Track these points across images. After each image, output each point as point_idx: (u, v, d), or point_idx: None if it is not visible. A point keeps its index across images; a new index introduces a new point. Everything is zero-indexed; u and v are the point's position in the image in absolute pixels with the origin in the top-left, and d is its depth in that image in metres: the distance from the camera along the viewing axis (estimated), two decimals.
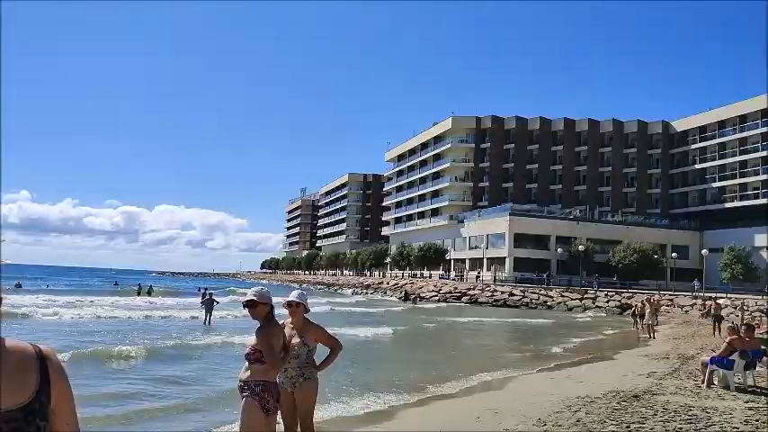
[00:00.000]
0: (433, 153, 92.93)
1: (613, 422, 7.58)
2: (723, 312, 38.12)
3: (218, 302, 26.77)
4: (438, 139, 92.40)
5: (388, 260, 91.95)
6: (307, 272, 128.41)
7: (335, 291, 78.95)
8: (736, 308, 38.03)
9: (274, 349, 4.65)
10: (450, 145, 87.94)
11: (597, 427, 7.37)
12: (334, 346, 5.37)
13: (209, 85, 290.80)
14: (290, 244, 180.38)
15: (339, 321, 26.11)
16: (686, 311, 45.80)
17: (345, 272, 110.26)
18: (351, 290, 75.42)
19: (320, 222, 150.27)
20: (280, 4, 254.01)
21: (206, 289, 29.13)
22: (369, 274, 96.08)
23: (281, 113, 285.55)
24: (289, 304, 5.29)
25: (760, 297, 48.70)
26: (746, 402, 9.11)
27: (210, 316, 25.27)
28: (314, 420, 5.23)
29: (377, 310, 41.08)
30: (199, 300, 28.93)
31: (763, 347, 11.24)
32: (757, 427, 7.56)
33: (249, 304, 4.72)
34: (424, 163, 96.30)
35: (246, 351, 4.74)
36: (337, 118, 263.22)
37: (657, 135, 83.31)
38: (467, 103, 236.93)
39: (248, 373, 4.67)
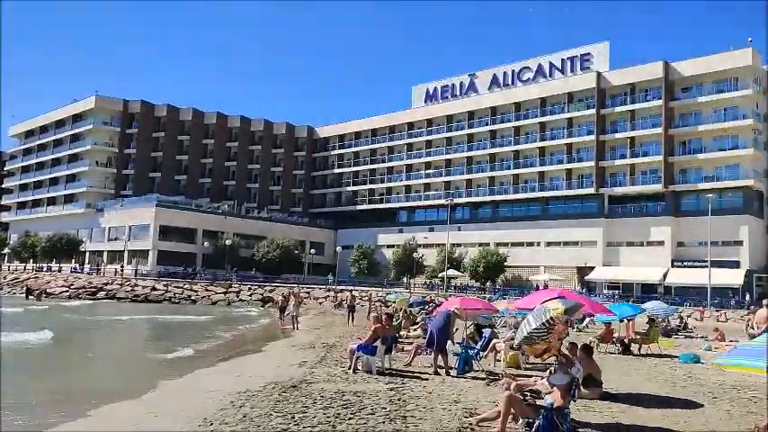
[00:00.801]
0: (70, 133, 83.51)
1: (278, 414, 7.60)
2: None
3: None
4: (77, 118, 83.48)
5: (6, 250, 79.50)
6: None
7: None
8: (362, 298, 43.13)
9: None
10: (91, 126, 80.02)
11: (264, 420, 7.29)
12: None
13: None
14: None
15: None
16: (321, 303, 50.10)
17: None
18: None
19: None
20: None
21: None
22: None
23: None
24: None
25: (381, 289, 56.32)
26: (387, 384, 10.13)
27: None
28: None
29: None
30: None
31: (397, 334, 12.67)
32: (400, 405, 8.41)
33: None
34: (58, 143, 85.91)
35: None
36: None
37: (303, 139, 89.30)
38: (112, 85, 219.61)
39: None
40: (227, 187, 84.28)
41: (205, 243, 68.58)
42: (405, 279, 65.03)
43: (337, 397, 8.76)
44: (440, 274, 61.03)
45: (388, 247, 73.43)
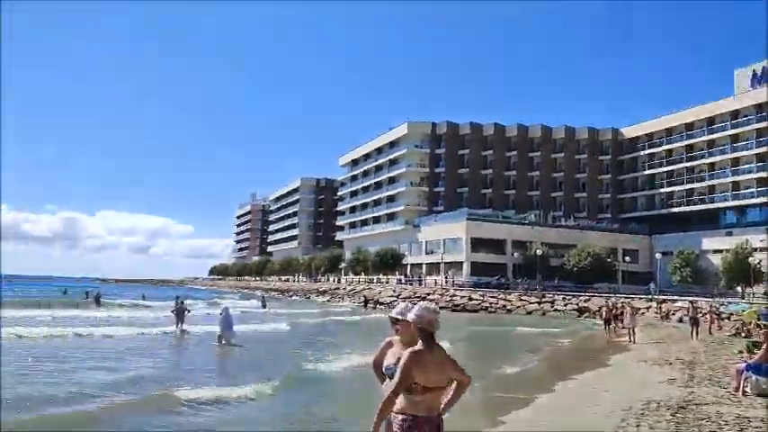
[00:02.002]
0: (388, 158, 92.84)
1: None
2: (679, 315, 39.43)
3: (189, 311, 25.94)
4: (393, 144, 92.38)
5: (342, 265, 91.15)
6: (258, 278, 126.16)
7: (312, 298, 76.77)
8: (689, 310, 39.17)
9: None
10: (405, 150, 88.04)
11: None
12: (462, 380, 4.24)
13: (141, 83, 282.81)
14: (240, 249, 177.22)
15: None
16: (642, 314, 46.92)
17: (298, 278, 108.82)
18: (322, 297, 73.50)
19: (271, 228, 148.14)
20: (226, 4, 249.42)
21: (178, 297, 28.33)
22: (323, 279, 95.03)
23: (230, 116, 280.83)
24: (396, 321, 4.65)
25: (711, 299, 50.52)
26: None
27: (182, 324, 24.55)
28: None
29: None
30: (170, 308, 27.88)
31: None
32: None
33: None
34: (379, 168, 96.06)
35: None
36: (288, 122, 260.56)
37: (607, 142, 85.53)
38: (420, 109, 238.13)
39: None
40: (532, 197, 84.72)
41: (515, 253, 69.67)
42: (739, 288, 57.45)
43: (742, 423, 8.03)
44: None
45: (714, 252, 65.69)
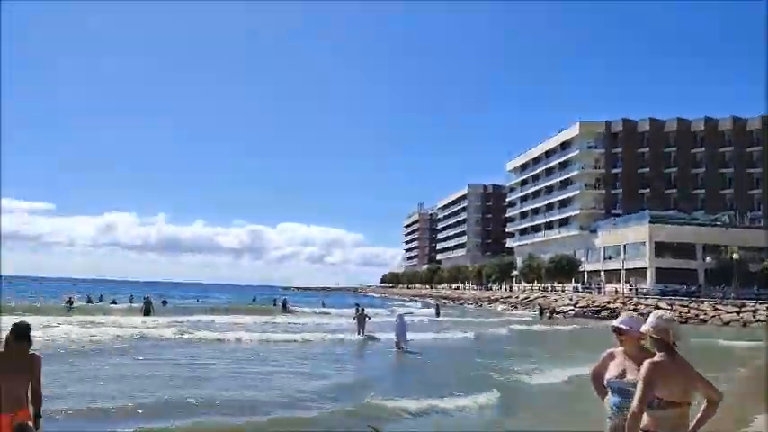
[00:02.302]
0: (559, 161, 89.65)
1: None
2: None
3: (369, 318, 26.72)
4: (565, 146, 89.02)
5: (514, 273, 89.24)
6: (427, 286, 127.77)
7: (485, 306, 76.43)
8: None
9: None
10: (578, 151, 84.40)
11: None
12: (711, 397, 3.80)
13: (314, 99, 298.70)
14: (409, 258, 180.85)
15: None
16: None
17: (467, 285, 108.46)
18: (494, 306, 72.54)
19: (439, 236, 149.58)
20: (391, 5, 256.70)
21: (358, 305, 29.49)
22: (494, 287, 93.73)
23: (395, 127, 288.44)
24: (618, 331, 4.24)
25: None
26: None
27: (363, 330, 25.39)
28: None
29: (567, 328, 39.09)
30: (351, 315, 29.09)
31: None
32: None
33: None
34: (549, 171, 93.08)
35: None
36: (453, 129, 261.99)
37: None
38: (581, 108, 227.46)
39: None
40: (725, 196, 76.98)
41: (706, 258, 63.54)
42: None
43: None
44: None
45: None
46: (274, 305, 56.19)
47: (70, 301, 46.84)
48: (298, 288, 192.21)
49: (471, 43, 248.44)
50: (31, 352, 5.17)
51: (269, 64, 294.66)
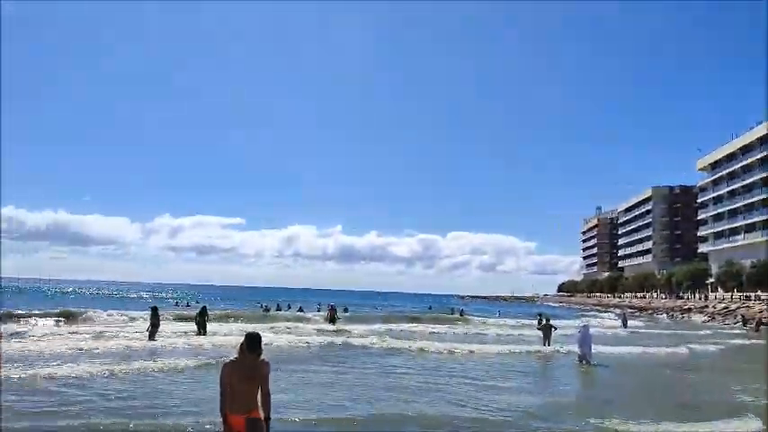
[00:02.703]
0: (759, 156, 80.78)
1: None
2: None
3: (555, 329, 25.94)
4: (763, 141, 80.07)
5: (709, 280, 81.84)
6: (609, 294, 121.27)
7: (676, 317, 71.25)
8: None
9: None
10: None
11: None
12: None
13: (483, 114, 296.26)
14: (588, 265, 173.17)
15: None
16: None
17: (655, 294, 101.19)
18: (697, 315, 66.86)
19: (621, 241, 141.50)
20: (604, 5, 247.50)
21: (540, 314, 28.85)
22: (685, 296, 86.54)
23: (568, 127, 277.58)
24: None
25: None
26: None
27: (549, 340, 24.99)
28: None
29: None
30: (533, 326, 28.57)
31: None
32: None
33: None
34: (747, 168, 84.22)
35: None
36: (630, 128, 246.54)
37: None
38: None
39: None
40: None
41: None
42: None
43: None
44: None
45: None
46: (451, 313, 56.72)
47: (266, 309, 51.30)
48: (470, 297, 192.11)
49: (660, 37, 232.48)
50: (261, 359, 5.81)
51: (439, 78, 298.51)
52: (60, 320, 31.63)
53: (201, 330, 25.79)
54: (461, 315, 54.14)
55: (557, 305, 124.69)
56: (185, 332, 26.25)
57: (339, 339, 25.61)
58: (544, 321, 25.95)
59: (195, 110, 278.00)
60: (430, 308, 73.26)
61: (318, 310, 49.75)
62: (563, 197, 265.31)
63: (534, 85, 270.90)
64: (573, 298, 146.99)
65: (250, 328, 28.47)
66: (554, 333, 25.48)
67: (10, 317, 30.40)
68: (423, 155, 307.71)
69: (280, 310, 51.51)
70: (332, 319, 36.66)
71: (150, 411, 10.11)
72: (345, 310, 48.30)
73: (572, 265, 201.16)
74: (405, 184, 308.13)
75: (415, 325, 39.30)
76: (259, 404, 5.72)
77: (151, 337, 22.76)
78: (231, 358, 5.90)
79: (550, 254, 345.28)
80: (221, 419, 5.82)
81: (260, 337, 5.81)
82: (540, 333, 25.94)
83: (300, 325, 34.17)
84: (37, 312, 33.47)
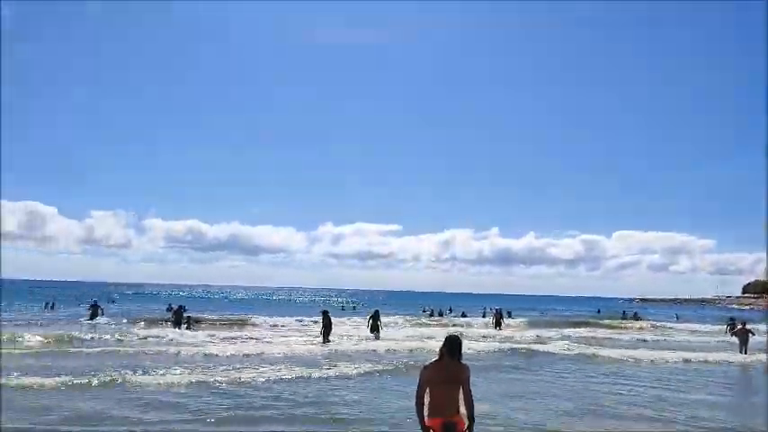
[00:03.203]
0: None
1: None
2: None
3: (753, 334, 23.54)
4: None
5: None
6: None
7: None
8: None
9: None
10: None
11: None
12: None
13: (629, 112, 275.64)
14: None
15: None
16: None
17: None
18: None
19: None
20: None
21: (732, 319, 26.27)
22: None
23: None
24: None
25: None
26: None
27: (746, 348, 22.67)
28: None
29: None
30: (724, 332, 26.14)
31: None
32: None
33: None
34: None
35: None
36: None
37: None
38: None
39: None
40: None
41: None
42: None
43: None
44: None
45: None
46: (623, 317, 53.53)
47: (431, 313, 51.89)
48: (639, 299, 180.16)
49: None
50: (462, 362, 5.68)
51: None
52: (236, 324, 34.79)
53: (375, 333, 26.53)
54: (636, 318, 51.37)
55: (746, 308, 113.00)
56: (356, 336, 27.21)
57: (519, 346, 24.47)
58: (739, 326, 23.60)
59: (348, 126, 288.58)
60: (599, 311, 69.81)
61: (484, 315, 49.35)
62: (745, 188, 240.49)
63: (667, 87, 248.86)
64: (761, 300, 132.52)
65: (415, 333, 28.92)
66: (752, 338, 23.08)
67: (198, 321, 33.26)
68: (582, 155, 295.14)
69: (441, 315, 51.78)
70: (497, 324, 35.96)
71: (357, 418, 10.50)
72: (509, 315, 47.55)
73: (758, 264, 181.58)
74: (561, 183, 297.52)
75: (591, 330, 37.53)
76: (458, 409, 5.61)
77: (325, 338, 23.72)
78: (431, 361, 5.81)
79: (734, 252, 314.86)
80: (418, 420, 5.63)
81: (460, 341, 5.65)
82: (735, 339, 23.60)
83: (463, 329, 33.73)
84: (215, 317, 37.31)
